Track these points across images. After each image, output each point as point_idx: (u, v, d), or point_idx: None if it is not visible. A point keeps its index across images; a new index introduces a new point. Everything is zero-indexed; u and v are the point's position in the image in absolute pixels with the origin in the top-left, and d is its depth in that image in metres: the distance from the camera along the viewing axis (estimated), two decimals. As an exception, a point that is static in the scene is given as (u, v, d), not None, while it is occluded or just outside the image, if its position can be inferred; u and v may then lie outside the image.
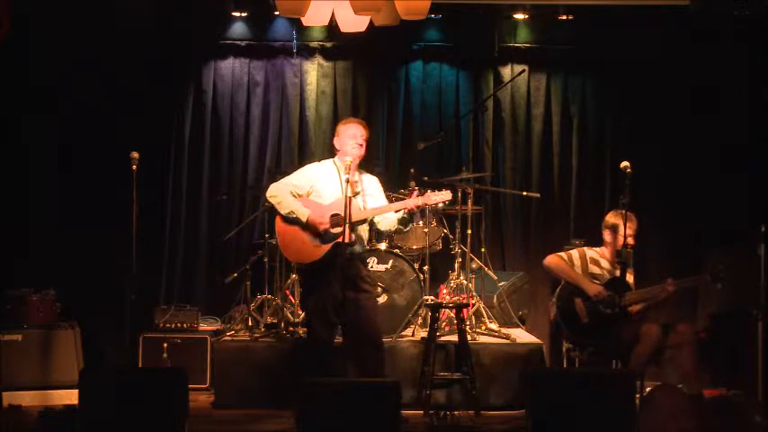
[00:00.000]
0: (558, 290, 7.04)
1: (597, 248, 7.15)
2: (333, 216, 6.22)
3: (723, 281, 6.78)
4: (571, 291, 6.92)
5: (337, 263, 6.14)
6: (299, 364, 6.89)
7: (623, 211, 6.60)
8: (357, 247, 6.39)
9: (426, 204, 6.33)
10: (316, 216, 6.26)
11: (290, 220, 6.33)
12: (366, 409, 5.04)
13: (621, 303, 6.72)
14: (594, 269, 7.01)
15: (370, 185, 6.53)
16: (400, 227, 6.50)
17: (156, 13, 8.03)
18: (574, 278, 6.93)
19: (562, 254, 7.16)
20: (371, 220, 6.48)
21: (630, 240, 6.71)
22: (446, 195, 6.29)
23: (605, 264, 7.03)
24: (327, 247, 6.24)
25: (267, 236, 7.71)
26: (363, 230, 6.48)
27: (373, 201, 6.45)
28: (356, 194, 6.23)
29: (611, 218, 7.00)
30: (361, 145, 6.37)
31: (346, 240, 6.01)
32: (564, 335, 7.12)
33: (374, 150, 8.67)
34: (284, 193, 6.35)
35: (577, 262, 7.05)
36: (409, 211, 6.30)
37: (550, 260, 7.12)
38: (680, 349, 6.71)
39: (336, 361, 6.48)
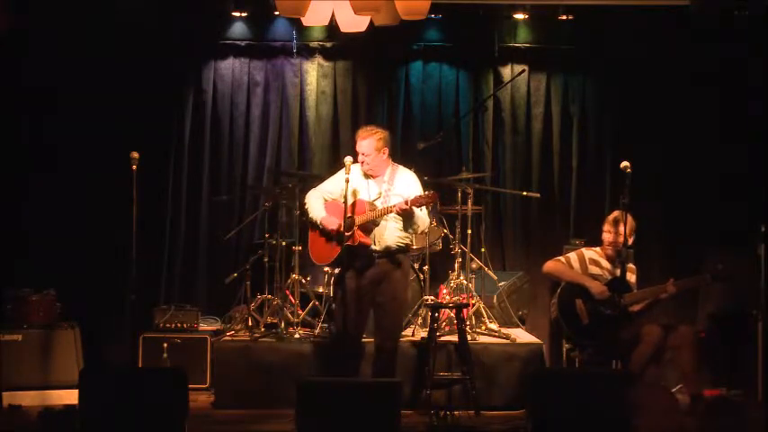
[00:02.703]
0: (558, 290, 7.03)
1: (596, 248, 7.13)
2: (347, 218, 6.27)
3: (723, 281, 6.78)
4: (572, 292, 6.91)
5: (354, 263, 6.30)
6: (300, 365, 6.94)
7: (621, 212, 6.63)
8: (377, 247, 6.40)
9: (411, 206, 6.21)
10: (327, 220, 6.41)
11: (314, 224, 6.55)
12: (366, 409, 5.04)
13: (622, 304, 6.72)
14: (595, 269, 7.00)
15: (401, 184, 6.50)
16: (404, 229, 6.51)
17: (157, 13, 8.03)
18: (576, 279, 6.92)
19: (560, 258, 7.15)
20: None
21: (629, 240, 6.72)
22: (430, 197, 6.23)
23: (605, 263, 7.02)
24: (339, 249, 6.36)
25: (267, 236, 7.72)
26: (385, 231, 6.43)
27: (397, 201, 6.39)
28: (378, 197, 6.40)
29: (611, 217, 6.99)
30: (361, 161, 6.44)
31: (356, 242, 6.24)
32: (564, 335, 7.12)
33: (374, 150, 8.69)
34: (313, 199, 6.59)
35: (576, 264, 7.04)
36: (402, 213, 6.28)
37: (549, 266, 7.11)
38: (680, 350, 6.70)
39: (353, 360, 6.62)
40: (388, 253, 6.43)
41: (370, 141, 6.44)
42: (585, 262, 7.02)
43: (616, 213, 6.91)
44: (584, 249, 7.18)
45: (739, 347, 7.54)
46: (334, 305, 6.80)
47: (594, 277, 6.94)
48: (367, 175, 6.50)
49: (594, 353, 6.85)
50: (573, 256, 7.10)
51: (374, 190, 6.46)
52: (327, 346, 7.02)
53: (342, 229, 6.27)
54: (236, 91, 8.67)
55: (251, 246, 8.25)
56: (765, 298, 7.03)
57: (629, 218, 6.70)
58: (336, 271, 6.83)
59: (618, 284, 6.77)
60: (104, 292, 7.90)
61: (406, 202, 6.21)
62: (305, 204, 6.64)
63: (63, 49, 8.00)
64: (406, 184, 6.52)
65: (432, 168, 8.20)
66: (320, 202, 6.54)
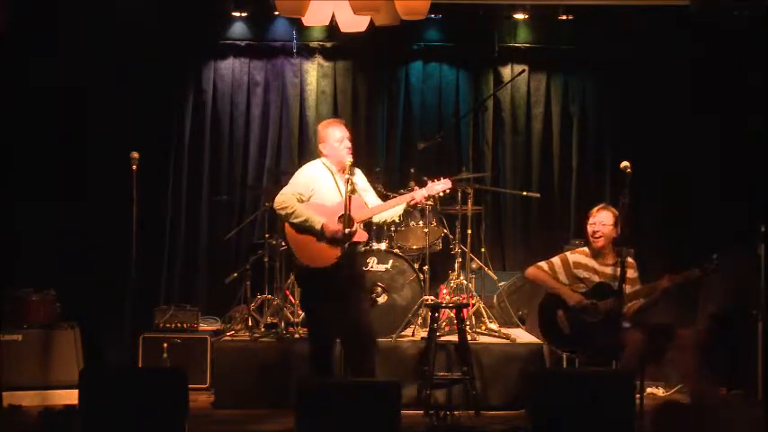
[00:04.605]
0: (540, 301, 6.85)
1: (581, 249, 6.98)
2: (340, 217, 6.22)
3: (715, 272, 6.59)
4: (553, 302, 6.71)
5: (346, 263, 6.22)
6: (299, 364, 6.92)
7: (603, 206, 6.69)
8: (360, 246, 6.44)
9: (430, 195, 6.40)
10: (329, 223, 6.20)
11: (303, 228, 6.26)
12: (366, 409, 5.04)
13: (605, 309, 6.55)
14: (581, 272, 6.76)
15: (360, 180, 6.53)
16: (395, 219, 6.59)
17: (157, 13, 8.03)
18: (554, 288, 6.74)
19: (543, 264, 6.87)
20: None
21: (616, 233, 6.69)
22: (447, 183, 6.40)
23: (592, 264, 6.81)
24: (341, 248, 6.19)
25: (267, 236, 7.73)
26: (363, 227, 6.49)
27: (367, 195, 6.49)
28: (353, 192, 6.23)
29: (593, 216, 6.88)
30: (350, 148, 6.40)
31: (362, 239, 6.24)
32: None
33: (374, 150, 8.71)
34: (293, 201, 6.27)
35: (560, 270, 6.79)
36: (414, 204, 6.37)
37: (530, 272, 6.87)
38: (681, 351, 6.66)
39: (336, 361, 6.51)
40: (362, 252, 6.52)
41: (347, 131, 6.49)
42: (570, 266, 6.79)
43: (598, 212, 6.82)
44: (568, 253, 6.93)
45: (739, 347, 7.54)
46: (305, 314, 6.73)
47: (581, 280, 6.75)
48: (333, 171, 6.40)
49: (590, 356, 6.77)
50: (557, 260, 6.85)
51: (343, 185, 6.39)
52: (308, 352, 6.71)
53: (349, 227, 6.17)
54: (236, 91, 8.69)
55: (251, 246, 8.25)
56: (765, 298, 7.03)
57: (612, 209, 6.66)
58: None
59: (603, 290, 6.57)
60: (104, 292, 7.90)
61: (423, 195, 6.33)
62: (285, 209, 6.24)
63: (63, 49, 7.99)
64: (362, 177, 6.57)
65: (432, 168, 8.19)
66: (301, 205, 6.29)
